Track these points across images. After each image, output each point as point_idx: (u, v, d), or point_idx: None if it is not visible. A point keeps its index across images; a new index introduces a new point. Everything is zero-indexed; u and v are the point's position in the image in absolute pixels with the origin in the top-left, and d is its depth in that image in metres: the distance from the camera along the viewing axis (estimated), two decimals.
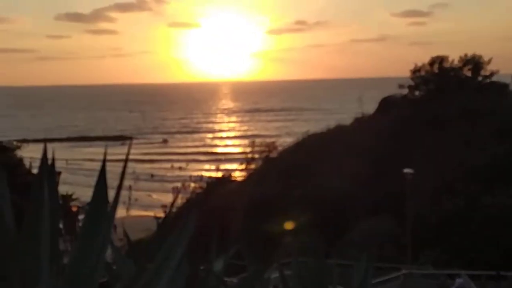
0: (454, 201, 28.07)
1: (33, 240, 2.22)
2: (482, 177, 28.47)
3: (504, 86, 37.73)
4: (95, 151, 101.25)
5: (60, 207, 2.47)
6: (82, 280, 2.28)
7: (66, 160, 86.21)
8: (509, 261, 21.55)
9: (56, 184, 2.46)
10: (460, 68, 38.37)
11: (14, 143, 34.96)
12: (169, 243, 2.58)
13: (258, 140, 56.87)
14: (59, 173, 31.26)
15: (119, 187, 2.52)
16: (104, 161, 2.60)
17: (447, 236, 25.81)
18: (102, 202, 2.48)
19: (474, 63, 38.24)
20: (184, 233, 2.67)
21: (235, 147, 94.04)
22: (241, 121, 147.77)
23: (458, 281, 20.05)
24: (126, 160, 2.49)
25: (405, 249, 24.47)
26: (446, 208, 27.87)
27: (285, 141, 53.66)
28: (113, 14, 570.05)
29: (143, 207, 62.00)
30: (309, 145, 40.63)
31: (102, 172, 2.53)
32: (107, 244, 2.53)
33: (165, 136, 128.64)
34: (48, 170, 2.45)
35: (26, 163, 36.37)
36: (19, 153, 33.10)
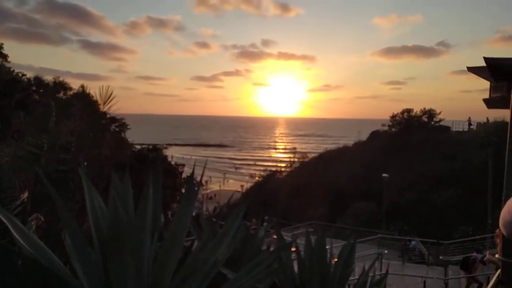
0: (411, 194, 26.94)
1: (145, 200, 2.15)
2: (430, 181, 27.21)
3: (447, 127, 36.03)
4: (207, 151, 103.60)
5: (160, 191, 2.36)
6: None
7: (191, 156, 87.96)
8: (445, 234, 20.36)
9: (180, 173, 2.48)
10: (420, 116, 36.74)
11: (164, 145, 35.81)
12: (230, 218, 2.46)
13: (298, 152, 56.51)
14: (183, 165, 31.84)
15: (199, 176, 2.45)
16: (195, 163, 2.58)
17: (407, 215, 24.75)
18: (190, 199, 2.37)
19: (429, 113, 36.59)
20: (237, 216, 2.48)
21: (285, 155, 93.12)
22: (290, 141, 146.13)
23: (413, 243, 19.15)
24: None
25: (381, 222, 23.61)
26: (406, 198, 26.76)
27: (313, 153, 52.76)
28: (222, 77, 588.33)
29: (230, 185, 62.54)
30: (326, 156, 39.95)
31: (192, 171, 2.44)
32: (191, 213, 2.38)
33: (246, 146, 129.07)
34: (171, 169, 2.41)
35: (169, 157, 37.54)
36: (165, 151, 33.78)
